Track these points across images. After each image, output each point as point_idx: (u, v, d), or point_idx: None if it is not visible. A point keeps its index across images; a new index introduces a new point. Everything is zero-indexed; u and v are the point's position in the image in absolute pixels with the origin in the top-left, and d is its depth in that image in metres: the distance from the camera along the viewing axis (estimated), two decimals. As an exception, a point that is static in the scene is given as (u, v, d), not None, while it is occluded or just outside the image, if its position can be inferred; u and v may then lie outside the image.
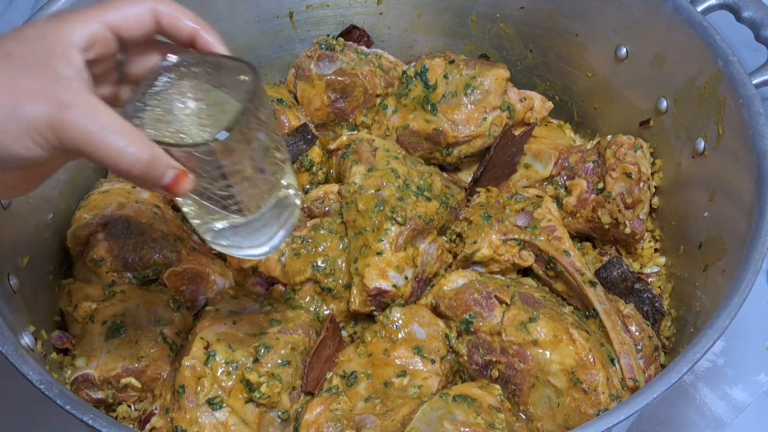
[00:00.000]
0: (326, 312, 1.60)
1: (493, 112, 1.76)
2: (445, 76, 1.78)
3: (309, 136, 1.74)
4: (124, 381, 1.45)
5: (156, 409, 1.44)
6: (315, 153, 1.76)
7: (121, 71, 1.14)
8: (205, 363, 1.41)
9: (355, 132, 1.84)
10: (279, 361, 1.43)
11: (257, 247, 1.23)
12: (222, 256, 1.69)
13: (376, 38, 2.01)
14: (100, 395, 1.47)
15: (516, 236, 1.61)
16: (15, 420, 1.69)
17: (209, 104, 1.10)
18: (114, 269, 1.59)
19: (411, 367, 1.47)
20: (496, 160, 1.77)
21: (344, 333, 1.62)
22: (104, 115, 0.97)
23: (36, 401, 1.67)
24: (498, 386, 1.44)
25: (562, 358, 1.40)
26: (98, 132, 0.95)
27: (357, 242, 1.58)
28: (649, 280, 1.70)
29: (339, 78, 1.83)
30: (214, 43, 1.11)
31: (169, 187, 1.02)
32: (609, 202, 1.67)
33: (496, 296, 1.51)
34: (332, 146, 1.77)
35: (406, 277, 1.56)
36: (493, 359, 1.46)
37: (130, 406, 1.50)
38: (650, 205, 1.73)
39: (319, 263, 1.58)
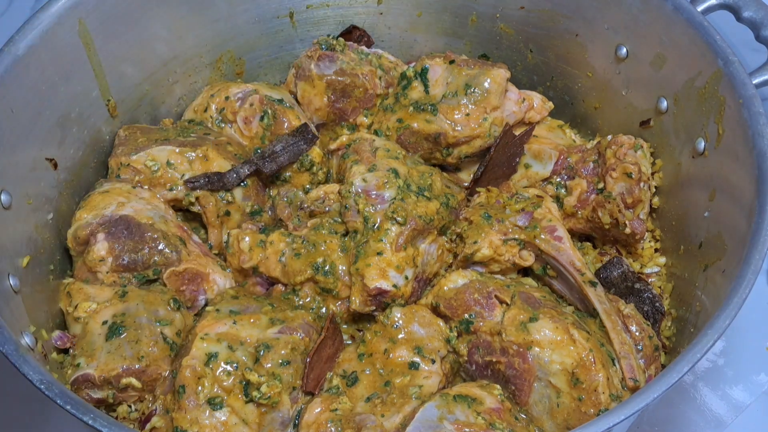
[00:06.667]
0: (326, 312, 1.60)
1: (493, 112, 1.76)
2: (446, 76, 1.78)
3: (309, 136, 1.74)
4: (124, 381, 1.45)
5: (156, 409, 1.44)
6: (315, 153, 1.76)
7: None
8: (206, 363, 1.41)
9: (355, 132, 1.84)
10: (279, 361, 1.43)
11: None
12: (222, 256, 1.69)
13: (376, 38, 2.01)
14: (100, 395, 1.47)
15: (516, 236, 1.61)
16: (15, 420, 1.69)
17: None
18: (114, 269, 1.59)
19: (411, 367, 1.47)
20: (497, 160, 1.76)
21: (344, 333, 1.62)
22: None
23: (36, 401, 1.68)
24: (498, 386, 1.44)
25: (562, 358, 1.40)
26: None
27: (357, 242, 1.57)
28: (650, 280, 1.70)
29: (339, 78, 1.83)
30: None
31: None
32: (609, 202, 1.67)
33: (496, 296, 1.51)
34: (332, 146, 1.77)
35: (407, 277, 1.56)
36: (493, 359, 1.46)
37: (130, 406, 1.50)
38: (650, 205, 1.73)
39: (319, 263, 1.58)
